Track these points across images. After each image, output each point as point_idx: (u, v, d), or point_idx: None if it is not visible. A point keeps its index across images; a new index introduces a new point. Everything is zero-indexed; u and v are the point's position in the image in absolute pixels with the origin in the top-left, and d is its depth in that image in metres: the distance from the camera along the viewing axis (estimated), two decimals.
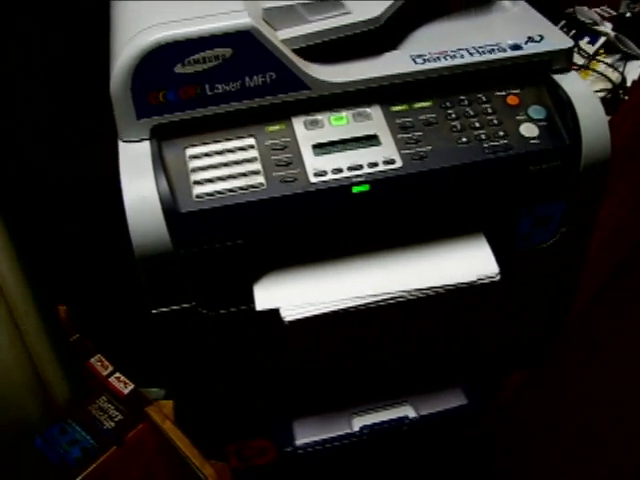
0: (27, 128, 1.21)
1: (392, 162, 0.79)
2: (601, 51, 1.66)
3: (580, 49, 1.64)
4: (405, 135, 0.81)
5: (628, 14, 1.74)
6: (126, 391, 1.43)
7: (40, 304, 1.37)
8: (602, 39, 1.67)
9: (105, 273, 1.37)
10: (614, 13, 1.82)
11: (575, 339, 1.34)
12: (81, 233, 1.32)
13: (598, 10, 1.83)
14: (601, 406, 1.31)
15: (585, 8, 1.80)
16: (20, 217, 1.29)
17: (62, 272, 1.44)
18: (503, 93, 0.85)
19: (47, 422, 1.39)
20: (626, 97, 1.54)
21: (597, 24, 1.72)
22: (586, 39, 1.68)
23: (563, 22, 1.70)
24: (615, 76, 1.56)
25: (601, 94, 1.51)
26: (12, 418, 1.38)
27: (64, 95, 1.13)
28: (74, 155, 1.20)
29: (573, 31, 1.70)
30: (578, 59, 1.62)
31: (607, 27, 1.73)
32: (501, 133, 0.82)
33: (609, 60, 1.62)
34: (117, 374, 1.47)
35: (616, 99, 1.52)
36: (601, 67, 1.59)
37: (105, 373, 1.48)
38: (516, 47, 0.85)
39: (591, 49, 1.65)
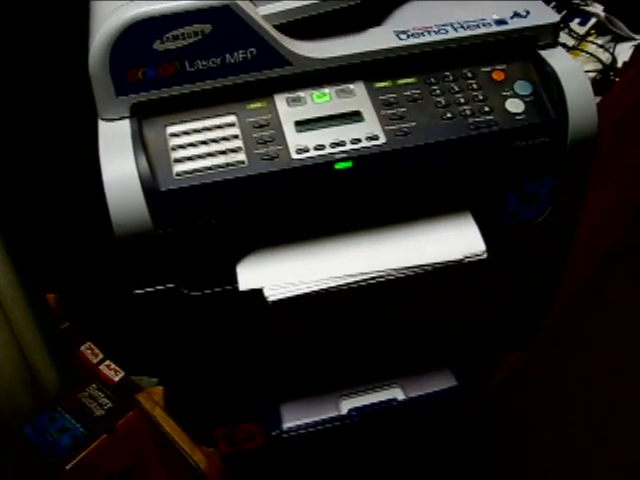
0: (8, 115, 1.20)
1: (375, 138, 0.78)
2: (592, 32, 1.66)
3: (571, 30, 1.64)
4: (389, 111, 0.80)
5: None
6: (116, 379, 1.43)
7: (29, 292, 1.36)
8: (593, 20, 1.67)
9: (95, 261, 1.36)
10: None
11: (567, 321, 1.33)
12: (70, 220, 1.32)
13: None
14: (593, 389, 1.31)
15: None
16: (5, 205, 1.29)
17: (52, 260, 1.43)
18: (488, 69, 0.85)
19: (37, 410, 1.39)
20: (616, 78, 1.53)
21: (588, 5, 1.72)
22: (577, 20, 1.68)
23: (554, 3, 1.69)
24: (605, 57, 1.56)
25: (591, 75, 1.51)
26: (1, 406, 1.37)
27: (44, 77, 1.12)
28: (56, 142, 1.19)
29: (564, 12, 1.69)
30: (569, 40, 1.62)
31: (598, 8, 1.73)
32: (486, 109, 0.81)
33: (600, 41, 1.62)
34: (107, 362, 1.47)
35: (606, 80, 1.52)
36: (591, 48, 1.59)
37: (95, 361, 1.47)
38: (501, 22, 0.84)
39: (582, 30, 1.65)
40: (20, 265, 1.34)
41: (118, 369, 1.45)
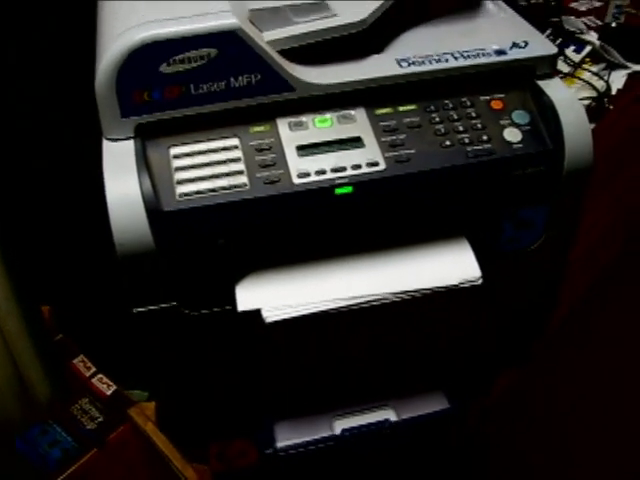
0: (11, 123, 1.20)
1: (375, 164, 0.79)
2: (587, 60, 1.68)
3: (566, 57, 1.66)
4: (389, 138, 0.81)
5: (613, 24, 1.76)
6: (108, 392, 1.43)
7: (23, 304, 1.36)
8: (588, 48, 1.70)
9: (90, 274, 1.37)
10: (600, 23, 1.84)
11: (561, 342, 1.35)
12: (66, 233, 1.32)
13: (584, 20, 1.85)
14: (588, 408, 1.33)
15: (572, 17, 1.82)
16: (3, 217, 1.29)
17: (46, 272, 1.43)
18: (487, 97, 0.86)
19: (28, 422, 1.39)
20: (611, 106, 1.56)
21: (583, 33, 1.74)
22: (572, 48, 1.71)
23: (550, 30, 1.72)
24: (600, 84, 1.58)
25: (586, 102, 1.53)
26: None
27: (52, 91, 1.13)
28: (59, 154, 1.19)
29: (559, 39, 1.72)
30: (564, 67, 1.64)
31: (593, 36, 1.75)
32: (484, 137, 0.83)
33: (594, 69, 1.64)
34: (100, 375, 1.47)
35: (601, 107, 1.54)
36: (586, 75, 1.61)
37: (88, 374, 1.48)
38: (501, 52, 0.86)
39: (577, 57, 1.67)
40: (16, 277, 1.34)
41: (110, 383, 1.45)
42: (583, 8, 1.97)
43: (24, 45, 1.11)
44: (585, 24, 1.84)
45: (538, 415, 1.34)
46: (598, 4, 1.99)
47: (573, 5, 1.98)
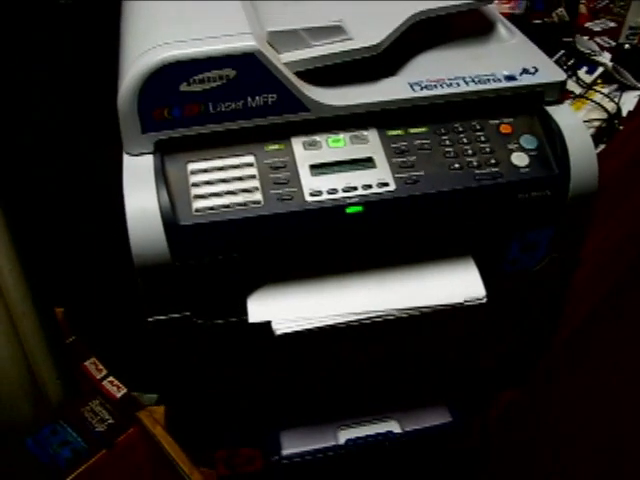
0: (33, 133, 1.23)
1: (386, 185, 0.81)
2: (599, 81, 1.69)
3: (578, 78, 1.67)
4: (400, 159, 0.83)
5: (627, 45, 1.77)
6: (119, 395, 1.45)
7: (38, 305, 1.38)
8: (600, 69, 1.70)
9: (103, 279, 1.38)
10: (614, 44, 1.85)
11: (564, 361, 1.36)
12: (82, 238, 1.34)
13: (598, 40, 1.87)
14: (590, 427, 1.34)
15: (585, 38, 1.83)
16: (23, 220, 1.32)
17: (61, 275, 1.45)
18: (496, 122, 0.88)
19: (39, 422, 1.41)
20: (621, 127, 1.57)
21: (596, 54, 1.76)
22: (584, 69, 1.72)
23: (562, 52, 1.73)
24: (611, 106, 1.59)
25: (596, 123, 1.54)
26: (5, 416, 1.39)
27: (77, 103, 1.15)
28: (81, 161, 1.21)
29: (572, 60, 1.73)
30: (576, 88, 1.65)
31: (606, 57, 1.76)
32: (493, 161, 0.85)
33: (606, 90, 1.65)
34: (110, 378, 1.49)
35: (611, 129, 1.55)
36: (598, 97, 1.62)
37: (99, 376, 1.49)
38: (511, 78, 0.87)
39: (589, 79, 1.69)
40: (32, 280, 1.37)
41: (121, 386, 1.47)
42: (597, 28, 1.98)
43: (50, 63, 1.13)
44: (599, 44, 1.85)
45: (540, 431, 1.35)
46: (612, 25, 2.00)
47: (588, 25, 1.99)
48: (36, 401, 1.44)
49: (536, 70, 0.89)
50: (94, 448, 1.34)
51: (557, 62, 1.70)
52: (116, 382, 1.48)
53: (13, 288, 1.33)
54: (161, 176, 0.79)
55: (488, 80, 0.87)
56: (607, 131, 1.54)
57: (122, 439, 1.35)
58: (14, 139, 1.24)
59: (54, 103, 1.16)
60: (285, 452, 1.06)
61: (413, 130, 0.86)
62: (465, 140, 0.86)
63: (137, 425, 1.32)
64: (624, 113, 1.61)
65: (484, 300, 0.87)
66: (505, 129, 0.87)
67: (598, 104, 1.59)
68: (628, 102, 1.64)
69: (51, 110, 1.17)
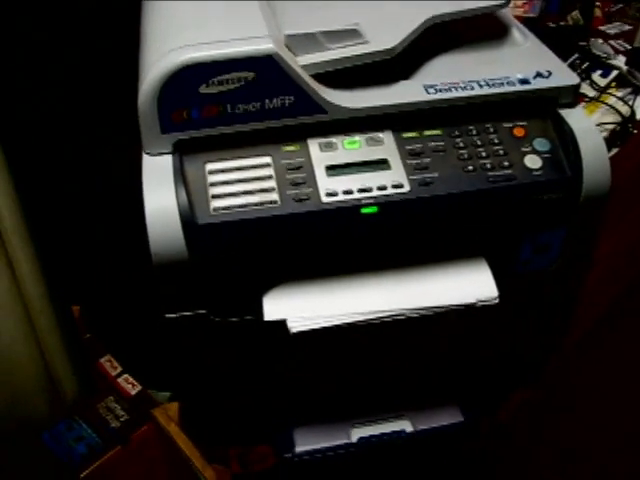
0: (53, 133, 1.24)
1: (400, 186, 0.82)
2: (613, 84, 1.69)
3: (592, 82, 1.68)
4: (414, 161, 0.84)
5: None
6: (133, 392, 1.46)
7: (56, 303, 1.40)
8: (614, 72, 1.71)
9: (120, 277, 1.40)
10: (629, 47, 1.85)
11: (577, 361, 1.36)
12: (100, 237, 1.36)
13: (613, 43, 1.87)
14: (601, 427, 1.34)
15: (599, 41, 1.83)
16: (41, 219, 1.33)
17: (78, 274, 1.47)
18: (510, 125, 0.88)
19: (55, 418, 1.42)
20: (635, 130, 1.57)
21: (610, 57, 1.76)
22: (599, 72, 1.72)
23: (577, 55, 1.73)
24: (625, 109, 1.60)
25: (610, 126, 1.54)
26: (22, 412, 1.41)
27: (98, 104, 1.17)
28: (100, 161, 1.23)
29: (586, 63, 1.73)
30: (589, 91, 1.66)
31: (620, 61, 1.76)
32: (506, 163, 0.85)
33: (620, 93, 1.66)
34: (125, 375, 1.50)
35: (625, 132, 1.55)
36: (612, 100, 1.62)
37: (114, 373, 1.51)
38: (524, 81, 0.88)
39: (603, 82, 1.69)
40: (50, 277, 1.38)
41: (135, 383, 1.48)
42: (612, 31, 1.98)
43: (70, 63, 1.15)
44: (614, 48, 1.85)
45: (552, 432, 1.35)
46: (628, 28, 2.00)
47: (602, 28, 2.00)
48: (52, 397, 1.46)
49: (550, 74, 0.90)
50: (109, 444, 1.35)
51: (571, 65, 1.70)
52: (131, 379, 1.49)
53: (31, 286, 1.34)
54: (180, 176, 0.81)
55: (502, 84, 0.88)
56: (621, 134, 1.54)
57: (136, 435, 1.36)
58: (34, 140, 1.26)
59: (76, 104, 1.18)
60: (298, 450, 1.07)
61: (427, 132, 0.87)
62: (479, 142, 0.87)
63: (151, 422, 1.33)
64: (638, 116, 1.61)
65: (496, 301, 0.88)
66: (518, 132, 0.88)
67: (612, 107, 1.60)
68: None
69: (72, 111, 1.19)
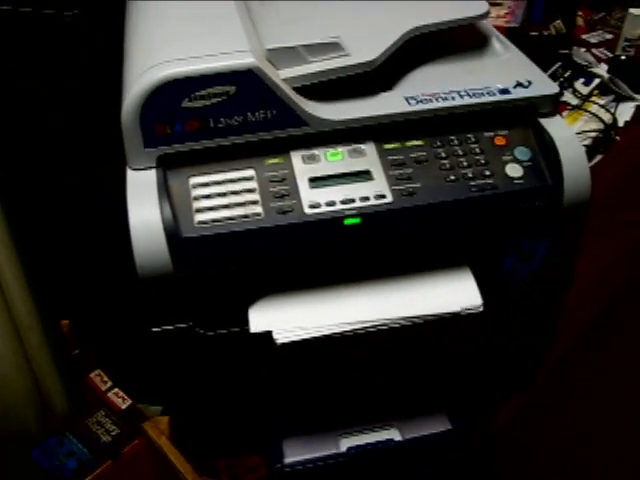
0: (38, 147, 1.25)
1: (383, 197, 0.83)
2: (596, 92, 1.71)
3: (575, 90, 1.70)
4: (396, 172, 0.85)
5: (623, 57, 1.79)
6: (124, 406, 1.47)
7: (44, 318, 1.40)
8: (596, 81, 1.73)
9: (108, 291, 1.40)
10: (611, 55, 1.87)
11: (568, 366, 1.37)
12: (87, 252, 1.36)
13: (595, 52, 1.89)
14: (593, 434, 1.34)
15: (581, 50, 1.86)
16: (28, 234, 1.34)
17: (67, 288, 1.47)
18: (491, 134, 0.89)
19: (45, 433, 1.42)
20: (617, 137, 1.59)
21: (592, 66, 1.78)
22: (581, 80, 1.74)
23: (559, 63, 1.75)
24: (607, 117, 1.62)
25: (593, 134, 1.56)
26: (11, 428, 1.41)
27: (82, 119, 1.17)
28: (86, 176, 1.23)
29: (569, 72, 1.75)
30: (572, 99, 1.68)
31: (602, 69, 1.79)
32: (487, 172, 0.86)
33: (602, 101, 1.68)
34: (115, 389, 1.51)
35: (608, 139, 1.57)
36: (594, 108, 1.64)
37: (104, 388, 1.51)
38: (505, 91, 0.89)
39: (585, 90, 1.71)
40: (38, 292, 1.39)
41: (126, 397, 1.49)
42: (594, 40, 2.01)
43: (53, 79, 1.15)
44: (596, 56, 1.88)
45: (542, 441, 1.36)
46: (609, 36, 2.03)
47: (584, 37, 2.02)
48: (42, 412, 1.46)
49: (530, 83, 0.91)
50: (100, 459, 1.36)
51: (554, 74, 1.72)
52: (121, 393, 1.50)
53: (19, 301, 1.35)
54: (164, 190, 0.81)
55: (482, 94, 0.89)
56: (603, 142, 1.56)
57: (127, 450, 1.37)
58: (19, 153, 1.27)
59: (60, 119, 1.18)
60: (288, 460, 1.07)
61: (409, 143, 0.87)
62: (460, 152, 0.87)
63: (142, 436, 1.32)
64: (620, 123, 1.63)
65: (481, 309, 0.88)
66: (500, 141, 0.89)
67: (594, 115, 1.62)
68: (624, 112, 1.66)
69: (56, 125, 1.19)
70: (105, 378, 1.54)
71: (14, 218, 1.30)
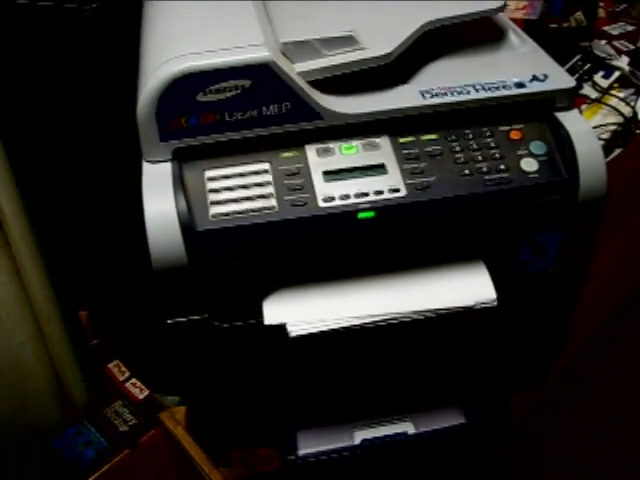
0: (61, 144, 1.26)
1: (397, 191, 0.83)
2: (615, 85, 1.70)
3: (594, 83, 1.68)
4: (411, 165, 0.85)
5: None
6: (141, 397, 1.48)
7: (63, 309, 1.42)
8: (616, 74, 1.71)
9: (126, 283, 1.41)
10: (632, 47, 1.85)
11: (581, 362, 1.37)
12: (105, 244, 1.37)
13: (616, 44, 1.87)
14: (607, 429, 1.34)
15: (602, 42, 1.84)
16: (48, 227, 1.35)
17: (85, 279, 1.48)
18: (506, 128, 0.89)
19: (65, 423, 1.44)
20: (637, 131, 1.57)
21: (612, 59, 1.76)
22: (601, 73, 1.72)
23: (579, 56, 1.73)
24: (627, 110, 1.60)
25: (612, 127, 1.55)
26: (31, 417, 1.43)
27: (99, 113, 1.18)
28: (103, 169, 1.24)
29: (588, 65, 1.73)
30: (592, 92, 1.66)
31: (623, 61, 1.77)
32: (502, 167, 0.86)
33: (622, 94, 1.66)
34: (133, 380, 1.52)
35: (627, 132, 1.55)
36: (614, 101, 1.63)
37: (122, 378, 1.53)
38: (520, 85, 0.89)
39: (605, 83, 1.69)
40: (57, 283, 1.40)
41: (143, 387, 1.50)
42: (616, 32, 1.99)
43: (70, 73, 1.16)
44: (617, 48, 1.86)
45: (555, 437, 1.36)
46: (631, 28, 2.00)
47: (606, 29, 2.00)
48: (61, 402, 1.47)
49: (546, 77, 0.90)
50: (117, 448, 1.37)
51: (573, 67, 1.71)
52: (139, 384, 1.51)
53: (39, 293, 1.37)
54: (179, 183, 0.82)
55: (498, 88, 0.88)
56: (623, 135, 1.54)
57: (144, 440, 1.38)
58: (39, 149, 1.28)
59: (77, 113, 1.19)
60: (302, 452, 1.07)
61: (424, 137, 0.87)
62: (475, 146, 0.87)
63: (159, 426, 1.34)
64: None
65: (495, 303, 0.88)
66: (515, 135, 0.88)
67: (614, 108, 1.60)
68: None
69: (73, 120, 1.20)
70: (123, 368, 1.55)
71: (33, 212, 1.32)
